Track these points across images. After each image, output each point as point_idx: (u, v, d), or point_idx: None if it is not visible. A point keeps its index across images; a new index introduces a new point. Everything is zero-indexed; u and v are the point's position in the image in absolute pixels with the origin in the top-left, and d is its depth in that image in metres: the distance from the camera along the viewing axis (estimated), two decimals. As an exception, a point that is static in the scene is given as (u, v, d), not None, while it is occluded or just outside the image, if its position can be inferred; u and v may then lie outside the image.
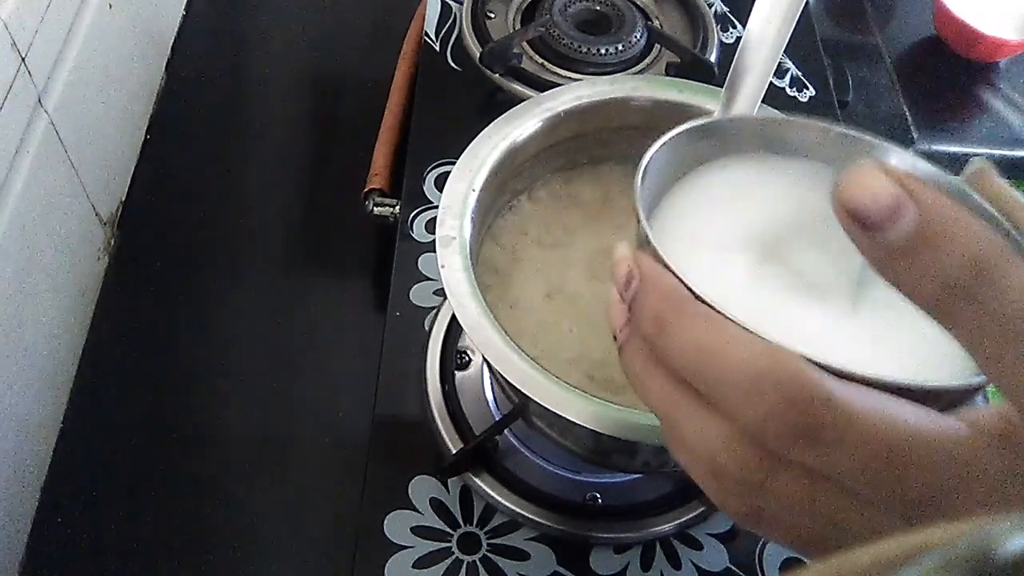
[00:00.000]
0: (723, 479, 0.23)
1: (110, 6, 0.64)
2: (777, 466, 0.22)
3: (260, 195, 0.71)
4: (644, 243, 0.25)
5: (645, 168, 0.27)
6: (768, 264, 0.27)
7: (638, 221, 0.26)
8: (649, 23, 0.71)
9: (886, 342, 0.25)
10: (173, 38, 0.78)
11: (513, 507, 0.50)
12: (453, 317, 0.56)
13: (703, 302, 0.23)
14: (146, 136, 0.72)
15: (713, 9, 0.75)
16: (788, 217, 0.28)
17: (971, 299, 0.19)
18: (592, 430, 0.36)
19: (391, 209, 0.63)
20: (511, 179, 0.47)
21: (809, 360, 0.21)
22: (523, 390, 0.37)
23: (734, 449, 0.22)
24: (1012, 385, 0.19)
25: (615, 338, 0.26)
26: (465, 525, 0.50)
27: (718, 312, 0.22)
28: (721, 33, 0.74)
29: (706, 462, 0.23)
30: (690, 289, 0.23)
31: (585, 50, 0.68)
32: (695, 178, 0.30)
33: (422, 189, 0.63)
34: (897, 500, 0.21)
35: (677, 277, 0.23)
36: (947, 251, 0.19)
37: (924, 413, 0.21)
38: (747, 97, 0.36)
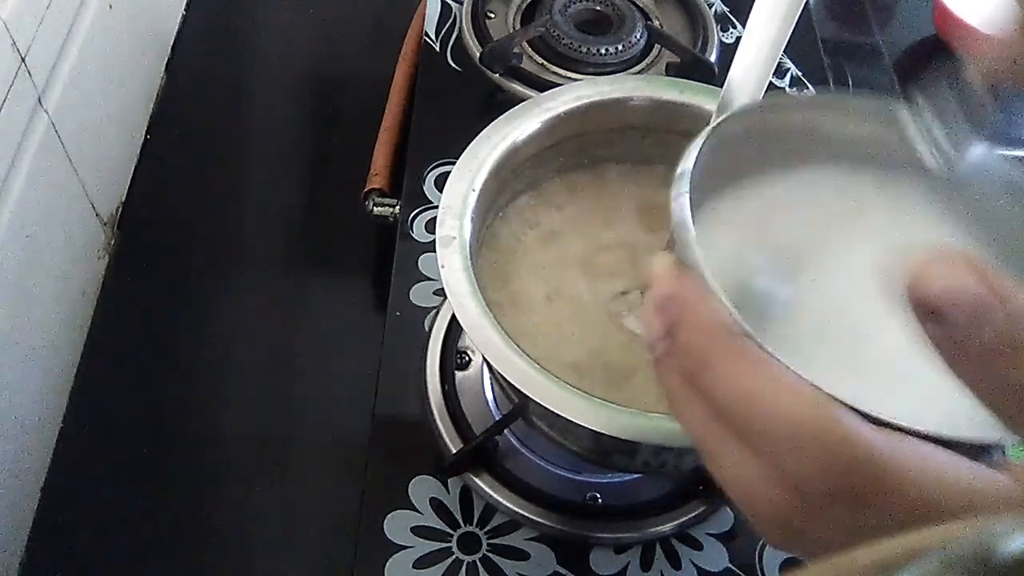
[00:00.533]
0: (761, 514, 0.22)
1: (110, 6, 0.64)
2: (817, 515, 0.21)
3: (260, 195, 0.71)
4: (691, 264, 0.23)
5: (688, 174, 0.25)
6: (804, 287, 0.26)
7: (678, 236, 0.24)
8: (649, 23, 0.71)
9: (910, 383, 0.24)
10: (173, 38, 0.78)
11: (513, 507, 0.50)
12: (453, 317, 0.56)
13: (750, 339, 0.22)
14: (146, 136, 0.72)
15: (713, 9, 0.75)
16: (824, 236, 0.27)
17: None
18: (592, 430, 0.36)
19: (391, 209, 0.63)
20: (511, 179, 0.47)
21: (853, 409, 0.20)
22: (523, 390, 0.37)
23: (775, 492, 0.21)
24: None
25: (650, 347, 0.25)
26: (465, 525, 0.50)
27: (764, 352, 0.21)
28: (721, 33, 0.74)
29: (744, 494, 0.22)
30: (739, 324, 0.22)
31: (585, 50, 0.68)
32: (730, 192, 0.29)
33: (422, 189, 0.63)
34: None
35: (725, 308, 0.22)
36: (1002, 331, 0.18)
37: (965, 465, 0.20)
38: (746, 97, 0.36)
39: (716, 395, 0.22)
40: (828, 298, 0.26)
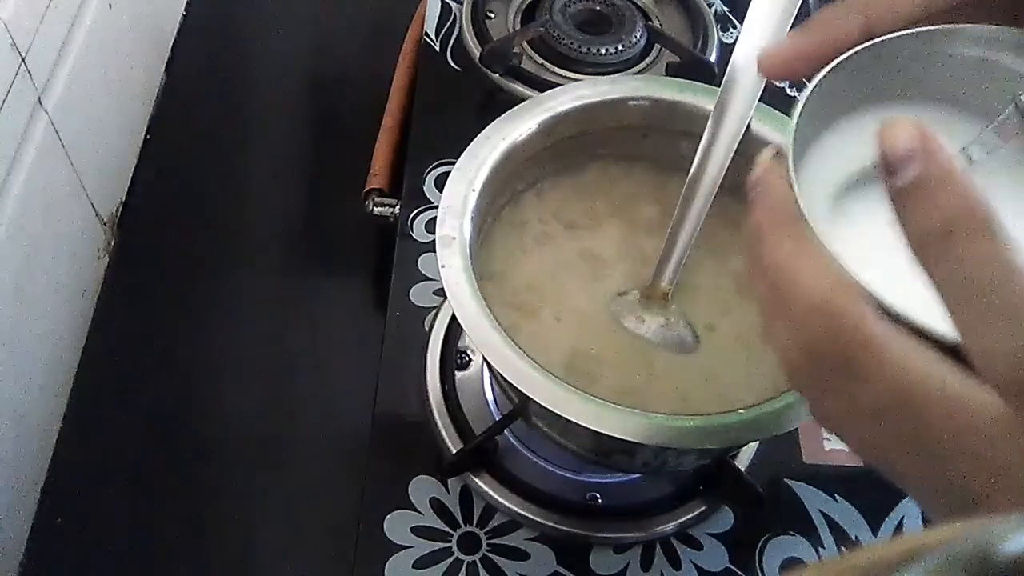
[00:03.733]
0: (787, 374, 0.25)
1: (110, 6, 0.64)
2: (826, 385, 0.24)
3: (260, 195, 0.71)
4: (781, 155, 0.26)
5: (815, 86, 0.27)
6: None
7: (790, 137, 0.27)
8: (649, 23, 0.71)
9: None
10: (173, 38, 0.78)
11: (513, 507, 0.50)
12: (453, 317, 0.56)
13: (804, 221, 0.24)
14: (146, 136, 0.72)
15: (713, 9, 0.75)
16: None
17: (940, 255, 0.21)
18: (592, 430, 0.36)
19: (391, 209, 0.63)
20: (511, 179, 0.47)
21: (873, 297, 0.23)
22: (523, 390, 0.37)
23: (794, 354, 0.24)
24: (970, 344, 0.21)
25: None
26: (465, 525, 0.50)
27: (813, 235, 0.24)
28: (721, 33, 0.74)
29: (778, 351, 0.25)
30: (798, 206, 0.24)
31: (585, 50, 0.68)
32: (839, 126, 0.30)
33: (422, 189, 0.63)
34: (913, 442, 0.22)
35: (794, 195, 0.25)
36: (931, 206, 0.21)
37: (958, 377, 0.22)
38: (745, 96, 0.36)
39: (764, 263, 0.25)
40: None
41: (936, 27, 0.28)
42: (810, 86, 0.28)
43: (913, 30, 0.28)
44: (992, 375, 0.21)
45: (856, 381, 0.23)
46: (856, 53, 0.28)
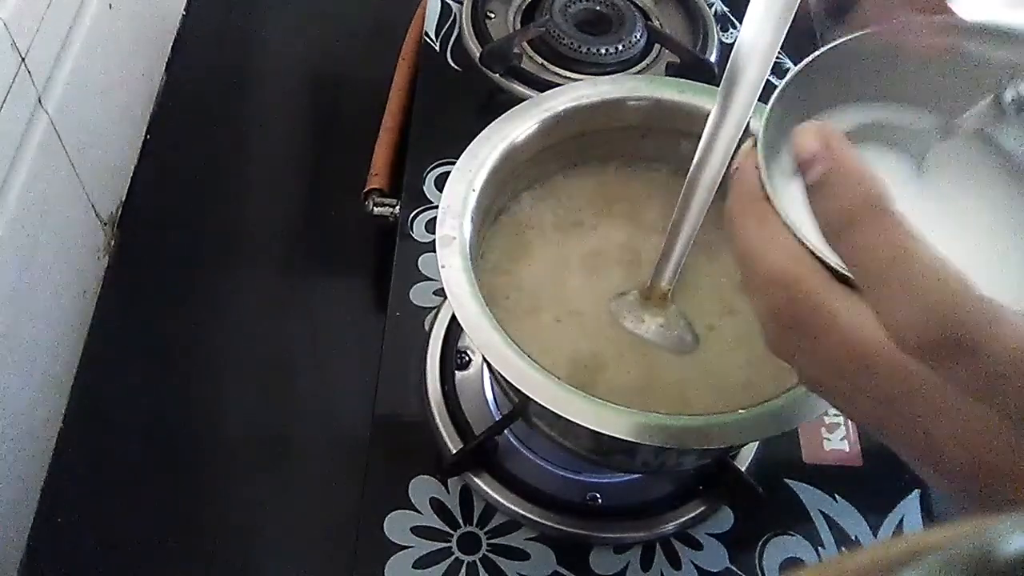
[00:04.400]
0: (763, 335, 0.28)
1: (110, 6, 0.64)
2: (794, 347, 0.27)
3: (260, 195, 0.71)
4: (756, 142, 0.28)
5: (789, 84, 0.29)
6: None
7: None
8: (649, 23, 0.71)
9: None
10: (173, 38, 0.78)
11: (513, 507, 0.50)
12: (453, 317, 0.56)
13: (768, 202, 0.27)
14: (146, 136, 0.72)
15: (713, 9, 0.75)
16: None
17: (847, 241, 0.24)
18: (592, 430, 0.36)
19: (391, 209, 0.63)
20: (511, 179, 0.47)
21: (826, 264, 0.25)
22: (523, 390, 0.37)
23: (767, 323, 0.27)
24: (882, 318, 0.24)
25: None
26: (465, 525, 0.50)
27: (776, 213, 0.26)
28: (721, 33, 0.74)
29: (756, 316, 0.28)
30: (762, 188, 0.27)
31: (585, 50, 0.68)
32: (820, 116, 0.31)
33: (422, 189, 0.63)
34: (874, 392, 0.25)
35: (761, 183, 0.27)
36: (835, 199, 0.24)
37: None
38: (744, 96, 0.36)
39: (736, 241, 0.28)
40: None
41: (896, 21, 0.30)
42: (783, 82, 0.29)
43: (873, 28, 0.29)
44: (904, 345, 0.23)
45: (812, 340, 0.26)
46: (823, 52, 0.29)
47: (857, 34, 0.29)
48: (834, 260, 0.25)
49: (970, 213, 0.30)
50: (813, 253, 0.26)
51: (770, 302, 0.26)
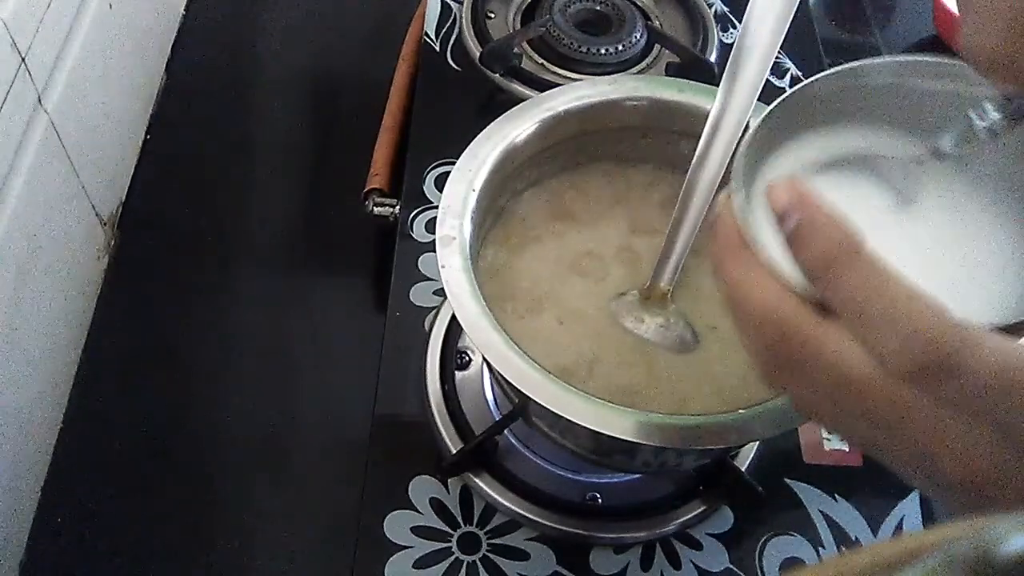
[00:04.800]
0: (765, 377, 0.29)
1: (110, 6, 0.64)
2: (788, 379, 0.28)
3: (260, 195, 0.71)
4: (733, 186, 0.29)
5: (764, 121, 0.30)
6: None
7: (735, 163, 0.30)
8: (649, 23, 0.71)
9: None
10: (173, 38, 0.78)
11: (513, 507, 0.50)
12: (453, 317, 0.56)
13: (752, 246, 0.28)
14: (146, 136, 0.72)
15: (713, 9, 0.76)
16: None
17: (827, 283, 0.25)
18: (592, 430, 0.36)
19: (391, 209, 0.63)
20: (511, 179, 0.47)
21: (803, 304, 0.26)
22: (523, 390, 0.37)
23: (762, 360, 0.28)
24: (869, 351, 0.25)
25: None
26: (465, 525, 0.50)
27: (760, 256, 0.28)
28: (721, 33, 0.74)
29: (746, 352, 0.29)
30: (745, 233, 0.28)
31: (585, 50, 0.68)
32: (789, 147, 0.33)
33: (422, 189, 0.63)
34: (870, 417, 0.26)
35: (739, 221, 0.28)
36: (812, 246, 0.26)
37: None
38: (743, 96, 0.36)
39: (724, 286, 0.29)
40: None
41: (849, 64, 0.31)
42: (748, 135, 0.30)
43: (831, 71, 0.31)
44: (892, 371, 0.25)
45: (805, 372, 0.27)
46: (783, 100, 0.31)
47: (818, 76, 0.31)
48: (818, 295, 0.26)
49: (949, 237, 0.31)
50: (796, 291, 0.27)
51: (764, 341, 0.28)
